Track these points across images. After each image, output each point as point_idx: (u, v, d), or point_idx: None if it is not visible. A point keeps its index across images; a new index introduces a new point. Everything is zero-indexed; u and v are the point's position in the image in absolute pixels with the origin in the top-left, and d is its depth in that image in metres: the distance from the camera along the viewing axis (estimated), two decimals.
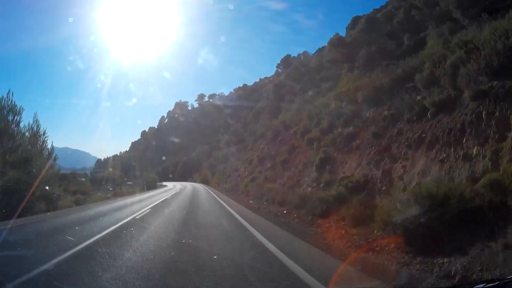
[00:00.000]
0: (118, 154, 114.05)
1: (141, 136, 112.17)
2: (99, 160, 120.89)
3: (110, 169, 62.72)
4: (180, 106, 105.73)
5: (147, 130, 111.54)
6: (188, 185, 47.48)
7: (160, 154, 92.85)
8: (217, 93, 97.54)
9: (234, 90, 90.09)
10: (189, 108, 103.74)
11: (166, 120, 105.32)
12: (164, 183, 60.06)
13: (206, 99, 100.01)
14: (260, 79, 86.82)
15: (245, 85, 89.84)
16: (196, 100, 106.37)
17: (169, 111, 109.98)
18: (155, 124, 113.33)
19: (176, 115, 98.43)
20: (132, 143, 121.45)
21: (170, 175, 79.86)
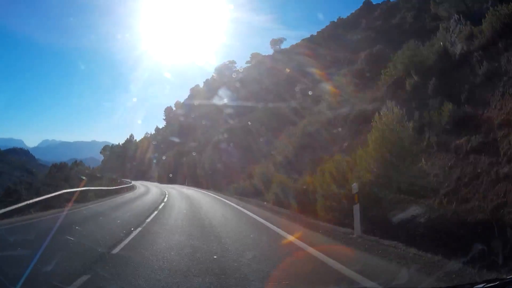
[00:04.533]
0: (129, 139, 79.19)
1: (164, 115, 76.57)
2: (106, 146, 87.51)
3: None
4: (223, 68, 68.88)
5: (173, 106, 75.57)
6: None
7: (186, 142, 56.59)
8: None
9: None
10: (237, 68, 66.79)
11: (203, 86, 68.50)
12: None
13: (265, 52, 62.60)
14: None
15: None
16: (247, 62, 69.10)
17: (207, 79, 73.36)
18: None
19: (216, 80, 61.64)
20: (156, 128, 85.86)
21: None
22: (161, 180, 53.78)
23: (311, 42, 50.22)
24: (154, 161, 59.23)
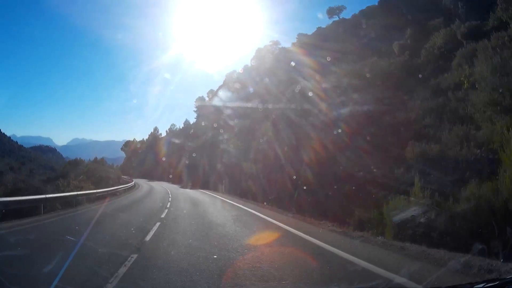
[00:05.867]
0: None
1: (195, 106, 66.46)
2: (127, 142, 78.62)
3: None
4: (264, 51, 57.88)
5: (205, 96, 65.24)
6: None
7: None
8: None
9: None
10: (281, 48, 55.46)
11: (243, 69, 57.62)
12: None
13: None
14: None
15: None
16: (293, 43, 57.84)
17: (245, 65, 62.52)
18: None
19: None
20: (185, 122, 75.31)
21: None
22: (186, 184, 43.45)
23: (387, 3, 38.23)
24: (190, 155, 49.16)
